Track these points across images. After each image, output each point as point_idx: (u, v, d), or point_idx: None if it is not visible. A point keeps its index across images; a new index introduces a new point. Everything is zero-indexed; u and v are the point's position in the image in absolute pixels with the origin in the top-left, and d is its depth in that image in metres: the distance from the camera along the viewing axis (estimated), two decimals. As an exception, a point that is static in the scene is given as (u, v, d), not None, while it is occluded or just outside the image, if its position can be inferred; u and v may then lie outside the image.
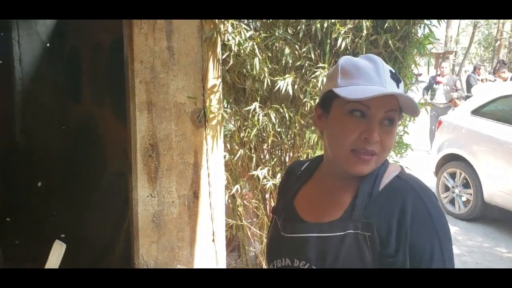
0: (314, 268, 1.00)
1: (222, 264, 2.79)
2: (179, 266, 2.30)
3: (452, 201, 5.67)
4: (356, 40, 2.61)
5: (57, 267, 1.10)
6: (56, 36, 5.34)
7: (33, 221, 4.60)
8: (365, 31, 2.58)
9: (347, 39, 2.57)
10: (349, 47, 2.59)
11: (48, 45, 5.32)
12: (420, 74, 5.67)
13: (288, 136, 2.86)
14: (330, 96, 1.02)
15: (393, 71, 1.03)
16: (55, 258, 1.11)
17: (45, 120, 5.27)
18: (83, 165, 4.81)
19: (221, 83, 2.71)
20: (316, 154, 2.74)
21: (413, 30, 2.76)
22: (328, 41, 2.61)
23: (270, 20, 2.78)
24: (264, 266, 3.18)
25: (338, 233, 0.99)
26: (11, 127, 5.56)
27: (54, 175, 5.04)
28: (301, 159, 2.86)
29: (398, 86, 1.01)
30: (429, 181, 5.47)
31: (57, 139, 5.30)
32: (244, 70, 2.76)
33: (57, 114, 5.35)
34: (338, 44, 2.55)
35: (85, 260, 3.42)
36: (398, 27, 2.64)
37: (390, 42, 2.60)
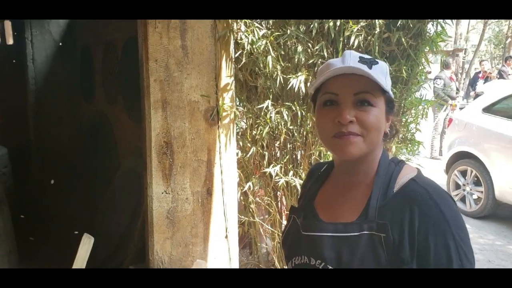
0: (329, 267, 1.01)
1: (235, 260, 2.81)
2: (198, 260, 2.33)
3: (463, 199, 5.65)
4: (369, 38, 2.62)
5: (86, 260, 1.13)
6: (69, 35, 5.40)
7: (47, 218, 4.67)
8: (377, 29, 2.59)
9: (360, 37, 2.58)
10: (361, 45, 2.60)
11: (60, 44, 5.38)
12: (429, 72, 5.66)
13: (300, 133, 2.87)
14: (313, 97, 1.11)
15: (366, 56, 1.05)
16: (84, 251, 1.14)
17: (57, 119, 5.34)
18: (96, 163, 4.86)
19: (234, 81, 2.73)
20: (329, 152, 2.75)
21: (426, 27, 2.77)
22: (341, 39, 2.62)
23: (283, 18, 2.79)
24: (277, 263, 3.20)
25: (353, 234, 1.00)
26: (24, 125, 5.63)
27: (67, 173, 5.10)
28: (313, 156, 2.88)
29: (370, 68, 1.02)
30: (440, 179, 5.46)
31: (70, 137, 5.37)
32: (257, 68, 2.78)
33: (70, 112, 5.42)
34: (351, 42, 2.56)
35: (100, 256, 3.45)
36: (411, 25, 2.65)
37: (402, 39, 2.60)
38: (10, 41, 5.96)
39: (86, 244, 1.16)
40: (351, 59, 1.03)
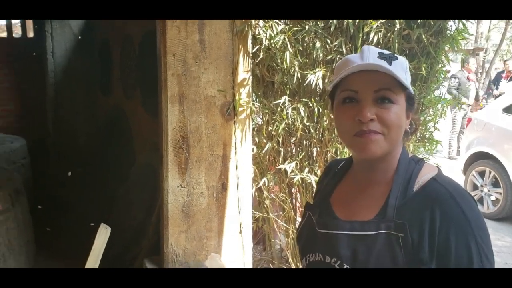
0: (345, 266, 1.00)
1: (248, 256, 2.81)
2: (212, 254, 2.34)
3: (480, 200, 5.56)
4: (388, 34, 2.58)
5: (102, 250, 1.14)
6: (88, 29, 5.45)
7: (64, 210, 4.74)
8: (397, 26, 2.56)
9: (379, 34, 2.54)
10: (381, 42, 2.57)
11: (79, 37, 5.43)
12: (449, 71, 5.56)
13: (317, 130, 2.85)
14: (331, 93, 1.10)
15: (386, 52, 1.03)
16: (100, 241, 1.14)
17: (75, 112, 5.40)
18: (112, 156, 4.91)
19: (251, 77, 2.72)
20: (345, 149, 2.73)
21: (447, 25, 2.72)
22: (360, 35, 2.59)
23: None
24: (290, 260, 3.20)
25: (370, 232, 0.99)
26: (43, 118, 5.71)
27: (84, 165, 5.17)
28: (329, 153, 2.86)
29: (390, 64, 1.00)
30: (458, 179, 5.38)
31: (87, 130, 5.43)
32: (274, 64, 2.76)
33: (87, 106, 5.48)
34: (370, 38, 2.53)
35: (115, 249, 3.49)
36: (432, 22, 2.60)
37: (423, 37, 2.56)
38: (30, 34, 6.06)
39: (103, 235, 1.16)
40: (370, 55, 1.01)
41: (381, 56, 1.01)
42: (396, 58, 1.02)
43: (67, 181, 4.89)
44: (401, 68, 1.02)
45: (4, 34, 6.18)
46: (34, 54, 5.81)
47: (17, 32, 6.24)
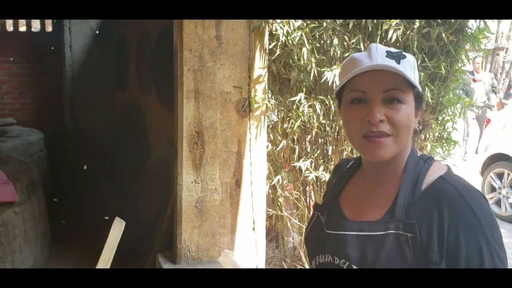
0: (354, 267, 0.98)
1: (261, 253, 2.81)
2: (225, 250, 2.33)
3: (498, 202, 5.47)
4: (408, 32, 2.55)
5: (116, 244, 1.14)
6: (105, 24, 5.48)
7: (79, 203, 4.78)
8: (417, 23, 2.52)
9: (398, 31, 2.51)
10: (400, 39, 2.53)
11: (97, 32, 5.47)
12: (468, 71, 5.46)
13: (333, 128, 2.83)
14: (338, 93, 1.08)
15: (393, 50, 1.00)
16: (114, 235, 1.14)
17: (92, 105, 5.45)
18: (128, 150, 4.94)
19: (267, 73, 2.71)
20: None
21: (468, 23, 2.67)
22: (379, 32, 2.56)
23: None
24: (303, 258, 3.18)
25: (378, 233, 0.97)
26: (60, 111, 5.78)
27: (99, 159, 5.21)
28: (345, 152, 2.83)
29: (399, 63, 0.97)
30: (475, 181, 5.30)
31: (103, 124, 5.47)
32: (291, 61, 2.74)
33: (104, 100, 5.52)
34: (389, 36, 2.50)
35: (129, 242, 3.51)
36: (452, 20, 2.56)
37: (443, 35, 2.52)
38: (49, 28, 6.12)
39: (117, 228, 1.16)
40: (378, 54, 0.99)
41: (389, 54, 0.99)
42: (404, 57, 1.00)
43: (82, 174, 4.93)
44: (410, 67, 1.00)
45: (24, 29, 6.26)
46: (52, 48, 5.87)
47: (36, 26, 6.31)
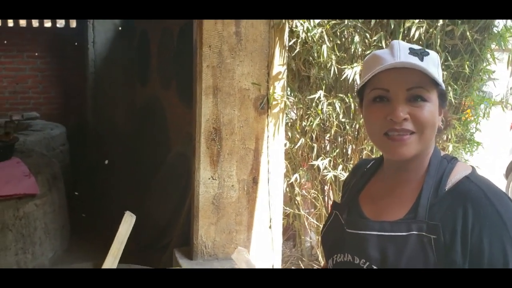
0: (374, 267, 0.97)
1: (278, 252, 2.79)
2: (239, 248, 2.33)
3: (522, 206, 5.34)
4: (431, 30, 2.49)
5: (126, 238, 1.14)
6: (128, 20, 5.53)
7: (99, 197, 4.84)
8: (441, 21, 2.46)
9: (421, 29, 2.45)
10: (422, 37, 2.48)
11: (120, 28, 5.52)
12: (494, 71, 5.33)
13: (353, 127, 2.79)
14: (360, 91, 1.06)
15: (416, 47, 0.98)
16: (124, 229, 1.15)
17: (114, 101, 5.51)
18: (148, 146, 4.98)
19: (286, 70, 2.69)
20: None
21: (494, 21, 2.59)
22: (401, 30, 2.50)
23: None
24: (320, 258, 3.15)
25: (400, 233, 0.95)
26: (82, 106, 5.87)
27: (120, 153, 5.27)
28: (365, 151, 2.79)
29: (422, 60, 0.95)
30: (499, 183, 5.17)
31: (124, 119, 5.53)
32: (311, 58, 2.71)
33: (125, 95, 5.58)
34: (411, 34, 2.44)
35: (147, 237, 3.54)
36: (478, 18, 2.49)
37: (467, 33, 2.45)
38: (73, 24, 6.22)
39: (127, 222, 1.16)
40: (401, 51, 0.97)
41: (412, 52, 0.96)
42: (428, 54, 0.97)
43: (103, 168, 4.99)
44: (433, 64, 0.97)
45: (49, 24, 6.37)
46: (76, 43, 5.96)
47: (61, 22, 6.42)
